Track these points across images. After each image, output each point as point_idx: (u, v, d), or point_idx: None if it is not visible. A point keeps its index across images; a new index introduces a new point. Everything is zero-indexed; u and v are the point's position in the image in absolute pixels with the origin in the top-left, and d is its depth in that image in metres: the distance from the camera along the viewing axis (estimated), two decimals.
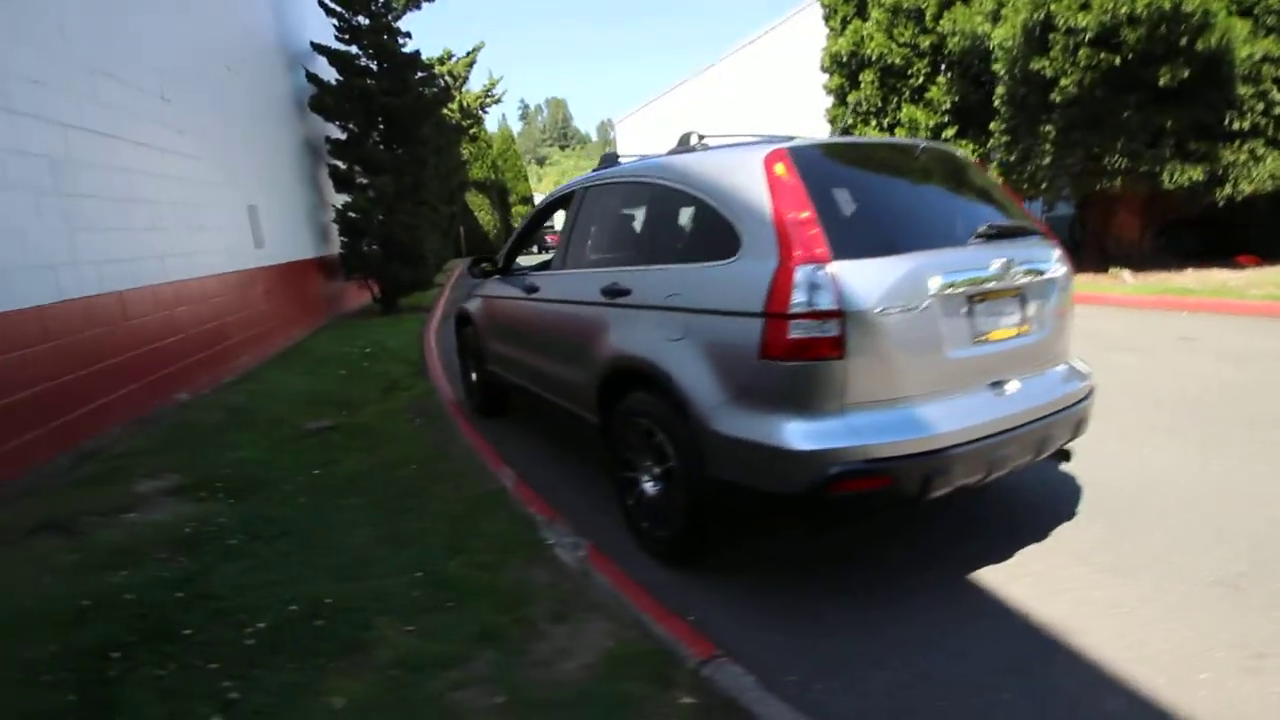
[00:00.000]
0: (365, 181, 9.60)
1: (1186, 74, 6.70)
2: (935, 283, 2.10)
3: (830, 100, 11.48)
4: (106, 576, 2.46)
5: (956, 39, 9.09)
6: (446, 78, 11.06)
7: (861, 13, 10.39)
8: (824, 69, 11.38)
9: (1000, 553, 2.61)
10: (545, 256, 4.32)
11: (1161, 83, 6.88)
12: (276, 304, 7.35)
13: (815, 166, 2.24)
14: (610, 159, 3.37)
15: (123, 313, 4.29)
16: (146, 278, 4.64)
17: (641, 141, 27.89)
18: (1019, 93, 8.37)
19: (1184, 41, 6.67)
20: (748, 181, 2.26)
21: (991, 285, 2.23)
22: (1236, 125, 7.08)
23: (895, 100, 10.14)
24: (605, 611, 2.24)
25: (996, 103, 8.83)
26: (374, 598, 2.34)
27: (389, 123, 9.54)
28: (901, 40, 9.73)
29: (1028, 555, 2.58)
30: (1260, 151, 7.21)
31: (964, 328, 2.18)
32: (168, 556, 2.67)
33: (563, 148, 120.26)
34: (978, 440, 2.12)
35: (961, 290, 2.16)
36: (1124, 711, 1.81)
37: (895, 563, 2.60)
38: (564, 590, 2.39)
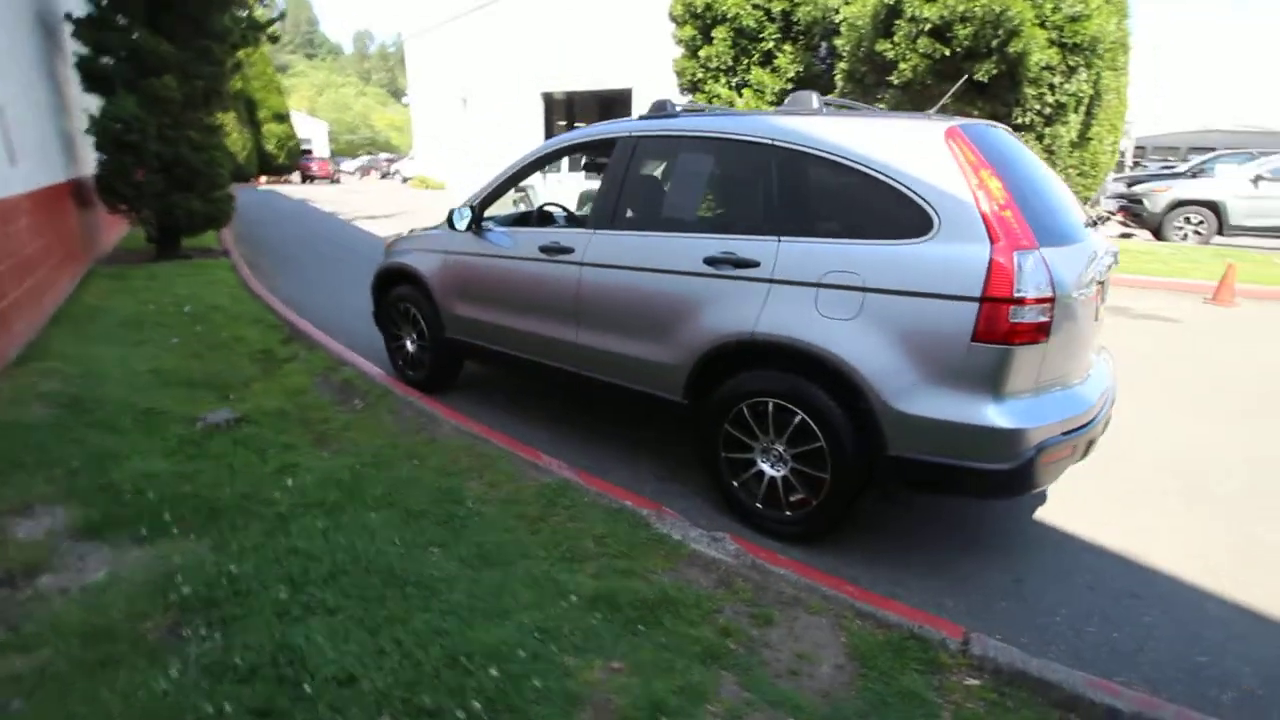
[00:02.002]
0: (133, 80, 7.23)
1: (997, 72, 8.03)
2: (1093, 270, 2.32)
3: (679, 51, 11.50)
4: (144, 680, 1.67)
5: (807, 8, 9.68)
6: None
7: None
8: (673, 18, 11.31)
9: (1039, 499, 3.06)
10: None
11: (978, 77, 8.16)
12: (43, 246, 5.33)
13: (988, 149, 2.27)
14: (663, 106, 3.01)
15: None
16: None
17: (440, 65, 25.19)
18: (859, 70, 9.27)
19: (997, 43, 7.95)
20: (932, 159, 2.21)
21: (1104, 273, 2.52)
22: (1020, 120, 8.73)
23: (746, 62, 10.54)
24: (805, 605, 2.16)
25: (838, 77, 9.67)
26: (546, 635, 1.95)
27: (166, 5, 7.23)
28: (755, 2, 10.07)
29: (1063, 497, 3.06)
30: (1028, 142, 9.02)
31: (1091, 312, 2.45)
32: (192, 632, 1.89)
33: (309, 56, 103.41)
34: (1103, 409, 2.44)
35: (1097, 277, 2.41)
36: (1224, 614, 2.30)
37: (974, 521, 2.91)
38: (742, 589, 2.23)
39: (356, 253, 10.33)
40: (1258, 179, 9.95)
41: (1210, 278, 7.37)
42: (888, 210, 2.27)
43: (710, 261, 2.62)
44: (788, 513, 2.59)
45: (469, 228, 3.65)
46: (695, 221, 2.74)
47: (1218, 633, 2.20)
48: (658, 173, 2.95)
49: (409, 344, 4.27)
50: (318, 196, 22.41)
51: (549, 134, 24.97)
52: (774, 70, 10.42)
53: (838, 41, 9.58)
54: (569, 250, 3.13)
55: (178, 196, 7.80)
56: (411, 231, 4.53)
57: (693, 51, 11.07)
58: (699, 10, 10.62)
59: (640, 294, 2.86)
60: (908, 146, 2.27)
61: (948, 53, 8.14)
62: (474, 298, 3.68)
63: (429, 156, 27.39)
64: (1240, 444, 3.62)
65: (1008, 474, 2.13)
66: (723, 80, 10.85)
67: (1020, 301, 2.04)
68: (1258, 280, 7.45)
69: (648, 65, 18.74)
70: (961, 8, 7.73)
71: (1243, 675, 2.03)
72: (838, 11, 9.33)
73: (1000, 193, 2.13)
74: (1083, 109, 9.14)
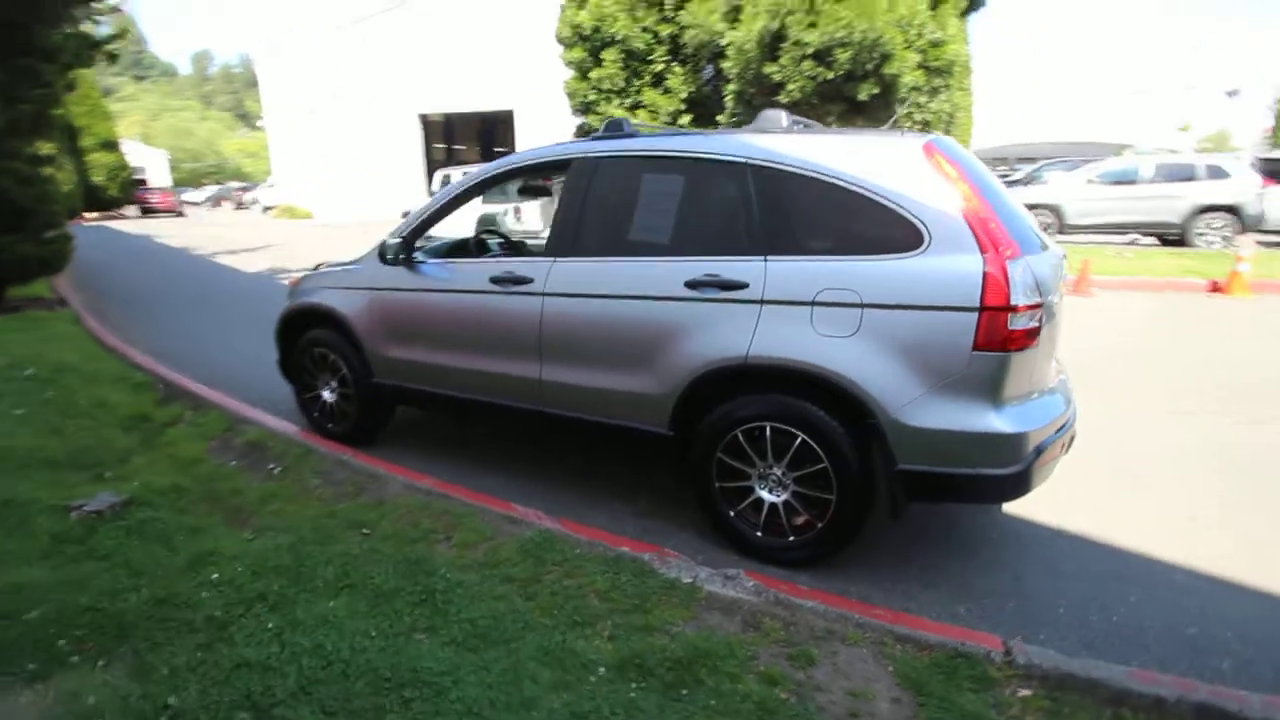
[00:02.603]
0: None
1: (877, 92, 8.66)
2: (1059, 275, 2.44)
3: (568, 73, 11.45)
4: None
5: (693, 32, 9.97)
6: None
7: None
8: (561, 40, 11.26)
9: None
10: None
11: (859, 98, 8.76)
12: None
13: (960, 162, 2.34)
14: (620, 125, 2.88)
15: None
16: None
17: (300, 85, 23.50)
18: (748, 92, 9.67)
19: (872, 66, 8.58)
20: (914, 174, 2.24)
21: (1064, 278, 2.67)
22: None
23: (638, 84, 10.67)
24: (841, 637, 2.06)
25: (728, 99, 10.03)
26: None
27: None
28: (643, 25, 10.24)
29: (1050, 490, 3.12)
30: None
31: (1060, 316, 2.58)
32: None
33: (139, 78, 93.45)
34: (1073, 406, 2.57)
35: (1062, 282, 2.55)
36: (1190, 582, 2.47)
37: (950, 523, 2.97)
38: (772, 629, 2.11)
39: (226, 293, 9.29)
40: (1089, 183, 11.45)
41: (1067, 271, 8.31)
42: (877, 226, 2.27)
43: (692, 285, 2.50)
44: (791, 538, 2.51)
45: (400, 260, 3.30)
46: (670, 244, 2.61)
47: (1193, 601, 2.36)
48: (623, 195, 2.80)
49: (327, 394, 3.80)
50: (164, 231, 20.10)
51: (428, 157, 24.05)
52: (666, 91, 10.64)
53: (724, 64, 9.95)
54: (527, 280, 2.89)
55: (3, 239, 6.58)
56: (319, 267, 4.07)
57: (583, 73, 11.07)
58: (587, 32, 10.65)
59: (615, 323, 2.69)
60: (889, 162, 2.29)
61: (830, 76, 8.68)
62: (411, 337, 3.32)
63: (292, 183, 25.42)
64: (1158, 426, 3.94)
65: (1013, 477, 2.17)
66: (615, 101, 10.93)
67: (1015, 309, 2.09)
68: (1103, 272, 8.51)
69: (531, 87, 18.55)
70: (841, 33, 8.28)
71: (1228, 639, 2.17)
72: (723, 35, 9.69)
73: (982, 204, 2.19)
74: (944, 126, 10.08)
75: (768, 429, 2.44)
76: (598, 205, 2.81)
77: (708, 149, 2.58)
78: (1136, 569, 2.56)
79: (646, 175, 2.73)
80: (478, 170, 3.24)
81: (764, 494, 2.54)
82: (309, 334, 3.77)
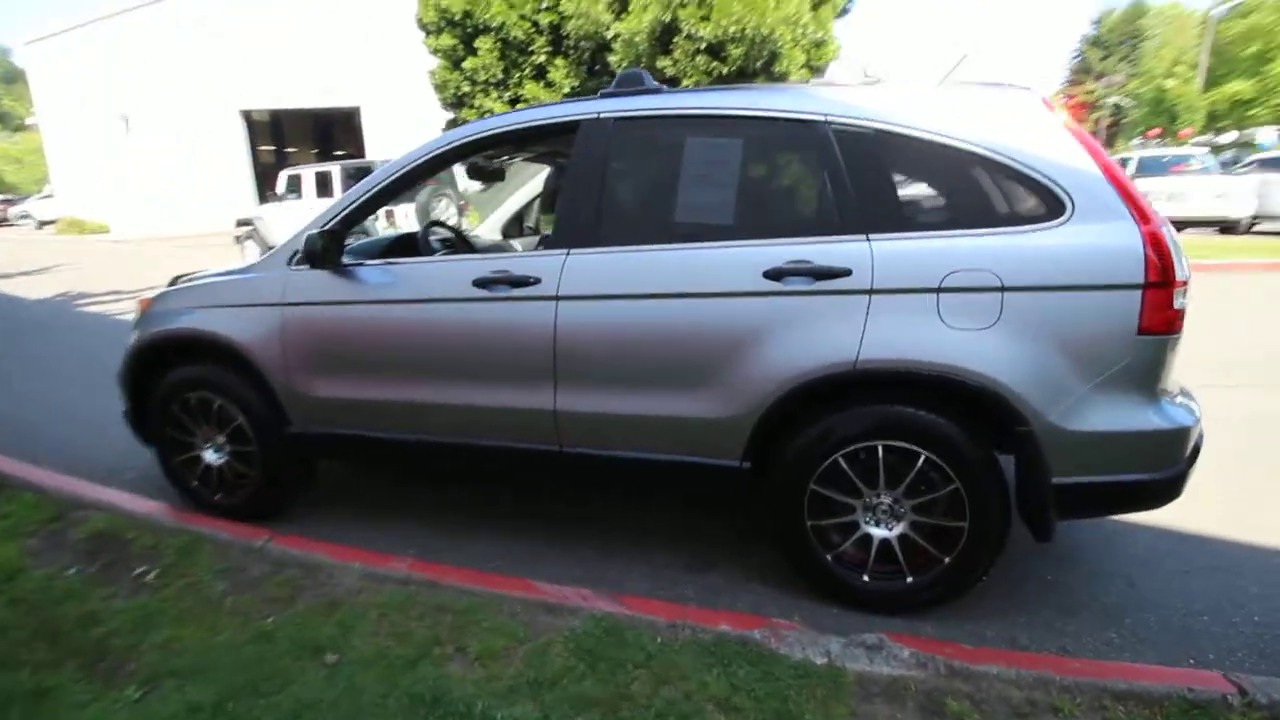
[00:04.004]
0: None
1: None
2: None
3: (435, 62, 10.36)
4: None
5: (576, 22, 9.39)
6: None
7: None
8: (424, 25, 10.14)
9: None
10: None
11: None
12: None
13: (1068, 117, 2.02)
14: (640, 79, 2.25)
15: None
16: None
17: (85, 77, 19.51)
18: None
19: (761, 64, 8.57)
20: (1040, 129, 1.89)
21: None
22: None
23: (517, 75, 9.87)
24: (1050, 708, 1.62)
25: None
26: None
27: None
28: (522, 12, 9.46)
29: None
30: None
31: None
32: None
33: None
34: None
35: None
36: None
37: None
38: (962, 712, 1.62)
39: (7, 328, 7.21)
40: None
41: None
42: (1006, 193, 1.90)
43: (774, 275, 1.96)
44: (909, 579, 2.05)
45: (325, 263, 2.42)
46: (736, 226, 2.05)
47: None
48: (660, 166, 2.18)
49: (211, 454, 2.76)
50: None
51: (255, 160, 21.17)
52: (548, 85, 9.95)
53: (611, 58, 9.48)
54: (530, 281, 2.17)
55: None
56: (183, 278, 3.00)
57: (455, 63, 10.05)
58: (456, 17, 9.66)
59: (664, 330, 2.07)
60: (1008, 118, 1.91)
61: (725, 70, 8.53)
62: (354, 368, 2.44)
63: (78, 193, 21.14)
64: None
65: (1170, 481, 1.89)
66: (494, 94, 10.05)
67: (1177, 284, 1.80)
68: None
69: (381, 81, 16.83)
70: (733, 28, 8.15)
71: None
72: (609, 27, 9.22)
73: (1116, 164, 1.89)
74: None
75: (879, 449, 1.96)
76: (625, 180, 2.18)
77: (775, 106, 2.05)
78: (1237, 558, 2.39)
79: (691, 140, 2.14)
80: (437, 140, 2.43)
81: (872, 529, 2.06)
82: (177, 373, 2.71)
